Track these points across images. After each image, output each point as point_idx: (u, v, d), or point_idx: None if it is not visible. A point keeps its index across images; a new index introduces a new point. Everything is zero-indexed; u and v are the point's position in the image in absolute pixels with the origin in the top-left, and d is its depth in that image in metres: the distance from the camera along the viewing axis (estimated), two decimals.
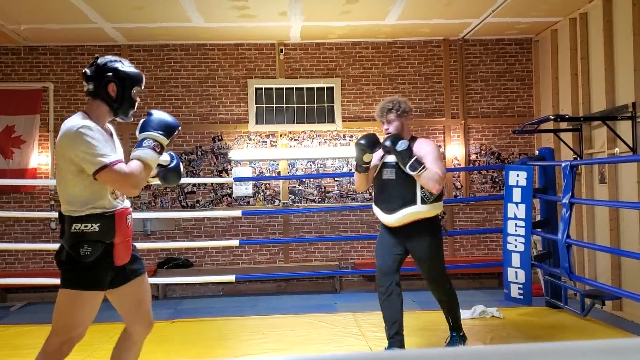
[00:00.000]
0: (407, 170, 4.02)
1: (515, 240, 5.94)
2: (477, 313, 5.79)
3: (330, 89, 8.07)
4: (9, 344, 5.24)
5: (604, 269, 6.28)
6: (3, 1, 6.25)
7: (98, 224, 2.75)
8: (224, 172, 7.95)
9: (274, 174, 7.99)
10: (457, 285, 7.95)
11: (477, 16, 7.15)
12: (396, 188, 4.17)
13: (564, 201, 5.31)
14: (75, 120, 2.75)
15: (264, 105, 8.09)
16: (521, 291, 5.86)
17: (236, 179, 7.62)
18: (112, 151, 2.75)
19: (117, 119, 2.98)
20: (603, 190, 6.27)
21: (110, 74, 2.81)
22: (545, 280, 6.20)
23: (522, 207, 5.93)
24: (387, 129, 4.21)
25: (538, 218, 6.40)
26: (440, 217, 4.39)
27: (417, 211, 4.12)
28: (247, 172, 7.94)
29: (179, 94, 7.98)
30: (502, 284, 6.34)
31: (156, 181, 3.20)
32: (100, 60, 2.86)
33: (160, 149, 2.84)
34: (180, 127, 3.00)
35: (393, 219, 4.18)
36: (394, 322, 4.15)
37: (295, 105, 8.10)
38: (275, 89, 8.09)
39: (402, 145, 4.03)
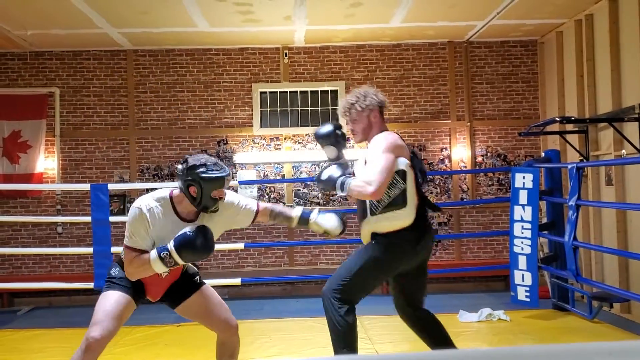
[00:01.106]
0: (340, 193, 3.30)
1: (522, 242, 5.92)
2: (484, 316, 5.77)
3: (335, 92, 8.07)
4: (16, 348, 5.25)
5: (611, 271, 6.25)
6: (9, 7, 6.28)
7: None
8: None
9: (278, 177, 7.99)
10: (464, 288, 8.01)
11: (481, 18, 7.15)
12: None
13: (570, 203, 5.29)
14: (148, 199, 3.13)
15: (269, 109, 8.10)
16: (528, 294, 5.83)
17: (241, 183, 7.62)
18: (142, 239, 3.06)
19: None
20: (610, 192, 6.24)
21: (190, 178, 3.07)
22: (552, 282, 6.17)
23: (529, 209, 5.91)
24: (352, 129, 3.51)
25: (544, 220, 6.37)
26: (407, 235, 3.26)
27: (367, 224, 3.32)
28: (251, 175, 7.95)
29: (185, 98, 8.00)
30: (508, 286, 6.32)
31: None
32: (190, 161, 3.12)
33: (172, 263, 3.05)
34: (206, 255, 3.12)
35: (361, 237, 3.47)
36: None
37: (299, 109, 8.10)
38: (280, 92, 8.10)
39: (325, 174, 3.34)
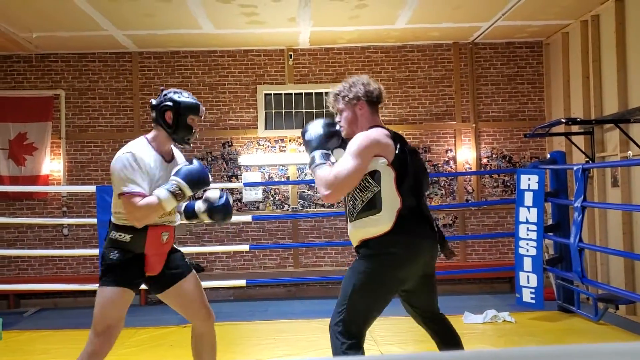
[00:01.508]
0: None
1: (527, 244, 5.90)
2: (489, 317, 5.76)
3: None
4: (21, 349, 5.27)
5: (617, 272, 6.22)
6: (15, 9, 6.31)
7: (130, 235, 3.10)
8: (233, 177, 7.96)
9: (283, 179, 7.99)
10: (469, 290, 7.99)
11: (486, 19, 7.13)
12: None
13: (576, 205, 5.28)
14: (127, 146, 3.13)
15: (273, 111, 8.10)
16: (533, 295, 5.82)
17: (246, 184, 7.63)
18: (142, 181, 3.03)
19: (179, 145, 3.32)
20: (616, 193, 6.22)
21: (168, 103, 3.15)
22: (558, 284, 6.15)
23: (534, 211, 5.90)
24: (339, 121, 3.18)
25: (550, 222, 6.36)
26: (390, 241, 2.88)
27: (349, 231, 3.06)
28: (256, 177, 7.95)
29: None
30: (514, 288, 6.30)
31: (206, 219, 3.36)
32: (163, 91, 3.22)
33: (181, 196, 3.06)
34: (209, 184, 3.22)
35: None
36: None
37: (304, 111, 8.11)
38: (285, 94, 8.10)
39: (311, 131, 3.15)
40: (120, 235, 3.10)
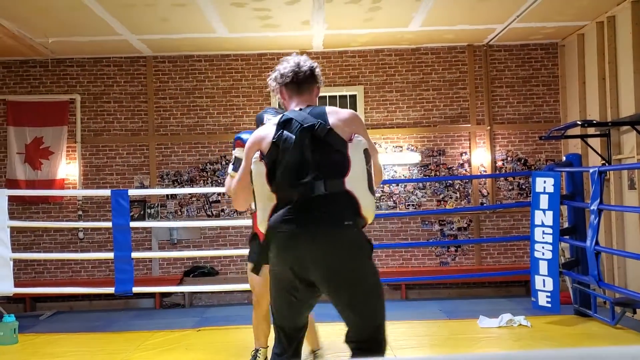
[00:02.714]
0: None
1: (543, 247, 5.85)
2: (505, 321, 5.71)
3: (353, 97, 8.06)
4: (38, 352, 5.30)
5: (634, 276, 6.15)
6: (31, 15, 6.38)
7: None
8: None
9: None
10: (484, 294, 7.93)
11: (501, 22, 7.09)
12: None
13: (592, 208, 5.23)
14: None
15: None
16: (549, 299, 5.76)
17: None
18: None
19: None
20: (633, 196, 6.15)
21: None
22: (574, 288, 6.09)
23: (550, 214, 5.85)
24: None
25: (566, 225, 6.30)
26: (269, 240, 2.58)
27: None
28: None
29: (204, 104, 8.05)
30: (529, 292, 6.25)
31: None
32: None
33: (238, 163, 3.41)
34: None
35: None
36: None
37: None
38: None
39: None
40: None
